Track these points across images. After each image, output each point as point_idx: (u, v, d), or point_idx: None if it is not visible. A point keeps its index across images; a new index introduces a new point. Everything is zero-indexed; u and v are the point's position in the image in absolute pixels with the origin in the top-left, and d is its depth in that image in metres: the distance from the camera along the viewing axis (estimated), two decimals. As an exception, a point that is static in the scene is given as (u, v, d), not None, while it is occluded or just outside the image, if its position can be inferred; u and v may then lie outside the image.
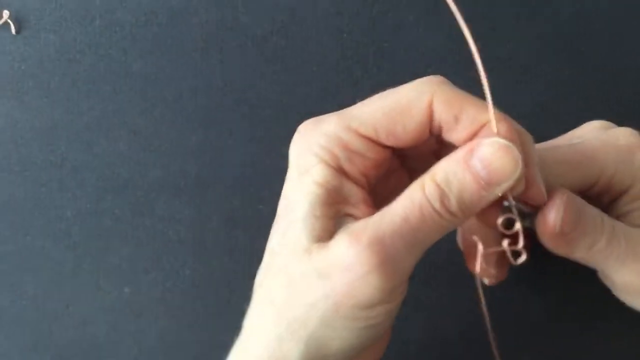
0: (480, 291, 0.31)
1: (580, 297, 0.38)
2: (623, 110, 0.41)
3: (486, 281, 0.34)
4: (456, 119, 0.28)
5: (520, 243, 0.29)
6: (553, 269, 0.38)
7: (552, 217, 0.29)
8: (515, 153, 0.27)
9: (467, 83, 0.44)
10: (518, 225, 0.28)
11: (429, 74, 0.30)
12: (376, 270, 0.26)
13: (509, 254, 0.29)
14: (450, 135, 0.28)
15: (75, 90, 0.43)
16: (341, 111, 0.29)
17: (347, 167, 0.29)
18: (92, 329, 0.41)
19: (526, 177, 0.28)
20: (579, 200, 0.30)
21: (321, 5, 0.43)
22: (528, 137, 0.29)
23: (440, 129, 0.28)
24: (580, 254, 0.30)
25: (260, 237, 0.41)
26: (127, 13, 0.43)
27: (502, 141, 0.27)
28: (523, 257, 0.29)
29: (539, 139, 0.41)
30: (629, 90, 0.42)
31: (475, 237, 0.29)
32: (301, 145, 0.29)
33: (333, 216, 0.28)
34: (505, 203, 0.28)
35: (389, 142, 0.29)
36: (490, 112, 0.27)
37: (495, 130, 0.27)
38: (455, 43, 0.42)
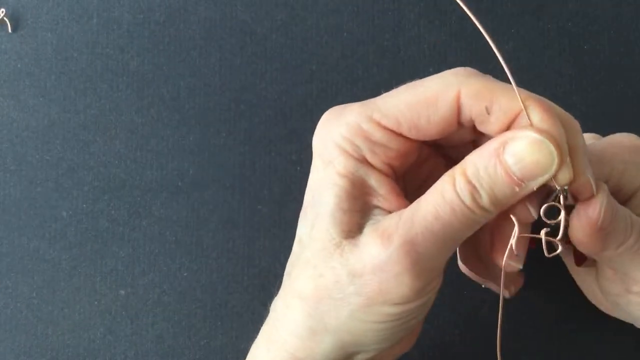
0: (503, 288, 0.29)
1: (580, 298, 0.38)
2: (624, 111, 0.41)
3: (506, 294, 0.33)
4: (488, 111, 0.27)
5: (560, 234, 0.28)
6: (553, 270, 0.38)
7: (596, 211, 0.28)
8: (550, 147, 0.26)
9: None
10: (562, 216, 0.27)
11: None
12: (409, 271, 0.26)
13: (544, 245, 0.28)
14: (485, 128, 0.27)
15: (71, 89, 0.42)
16: (365, 101, 0.29)
17: (370, 157, 0.28)
18: (88, 332, 0.40)
19: (573, 167, 0.27)
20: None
21: (321, 4, 0.42)
22: (574, 124, 0.28)
23: (471, 121, 0.28)
24: (610, 252, 0.30)
25: (259, 238, 0.41)
26: (125, 11, 0.43)
27: (535, 135, 0.26)
28: (558, 250, 0.28)
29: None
30: (630, 90, 0.42)
31: (512, 217, 0.28)
32: (323, 135, 0.29)
33: (361, 209, 0.28)
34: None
35: (412, 134, 0.28)
36: (519, 102, 0.26)
37: (529, 121, 0.26)
38: (456, 41, 0.42)
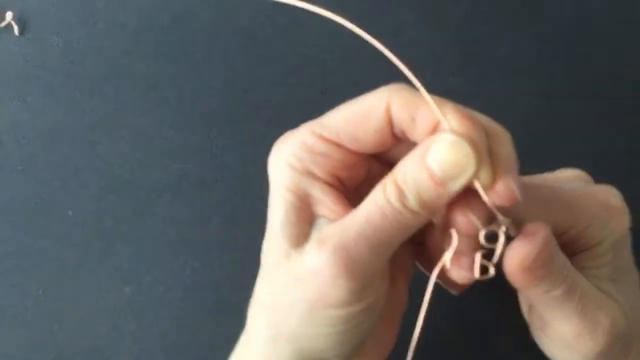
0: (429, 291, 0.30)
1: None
2: (623, 112, 0.42)
3: (454, 292, 0.33)
4: (413, 120, 0.28)
5: (495, 258, 0.28)
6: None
7: (526, 250, 0.28)
8: (467, 148, 0.26)
9: (468, 82, 0.44)
10: (500, 241, 0.28)
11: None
12: (342, 274, 0.27)
13: (476, 265, 0.28)
14: (412, 136, 0.29)
15: (77, 91, 0.43)
16: (311, 121, 0.31)
17: (314, 169, 0.30)
18: (93, 329, 0.40)
19: (496, 173, 0.27)
20: (554, 242, 0.29)
21: (321, 7, 0.43)
22: (500, 133, 0.28)
23: (403, 132, 0.29)
24: (535, 294, 0.30)
25: (261, 237, 0.41)
26: (130, 15, 0.43)
27: (452, 136, 0.27)
28: (490, 274, 0.28)
29: (537, 140, 0.41)
30: (627, 92, 0.42)
31: (452, 231, 0.28)
32: (274, 155, 0.30)
33: (308, 219, 0.29)
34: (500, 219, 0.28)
35: (352, 146, 0.29)
36: (434, 107, 0.27)
37: (446, 126, 0.27)
38: (455, 43, 0.42)
